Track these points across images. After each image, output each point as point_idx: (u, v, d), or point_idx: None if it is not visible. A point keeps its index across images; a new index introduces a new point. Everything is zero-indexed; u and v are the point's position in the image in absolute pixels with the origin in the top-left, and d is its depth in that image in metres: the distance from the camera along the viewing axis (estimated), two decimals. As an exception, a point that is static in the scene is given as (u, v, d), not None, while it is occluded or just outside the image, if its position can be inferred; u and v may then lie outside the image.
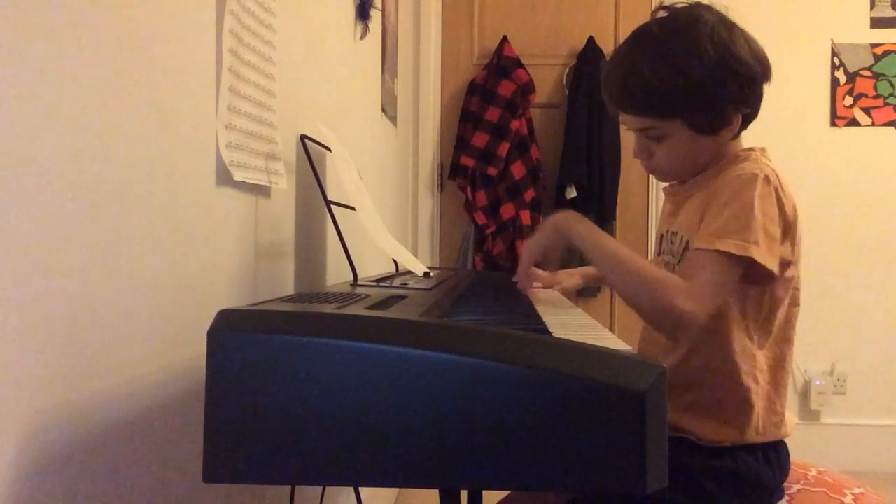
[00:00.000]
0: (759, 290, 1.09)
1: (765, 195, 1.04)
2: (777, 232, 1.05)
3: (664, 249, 1.22)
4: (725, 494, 1.09)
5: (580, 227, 1.13)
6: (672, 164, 1.17)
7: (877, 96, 3.12)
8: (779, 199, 1.06)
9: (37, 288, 0.62)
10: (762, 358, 1.11)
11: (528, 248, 1.21)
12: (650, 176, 3.17)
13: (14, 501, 0.59)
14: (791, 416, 1.16)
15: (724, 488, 1.09)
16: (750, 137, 1.20)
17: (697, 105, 1.10)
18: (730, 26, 1.11)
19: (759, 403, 1.10)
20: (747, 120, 1.15)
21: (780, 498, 1.14)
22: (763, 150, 1.17)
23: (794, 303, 1.14)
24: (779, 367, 1.13)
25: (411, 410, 0.57)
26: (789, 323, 1.14)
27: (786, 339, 1.14)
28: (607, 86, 1.15)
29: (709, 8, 1.14)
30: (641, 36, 1.14)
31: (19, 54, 0.59)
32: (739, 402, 1.10)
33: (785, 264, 1.09)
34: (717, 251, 1.02)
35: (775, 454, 1.12)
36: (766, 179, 1.06)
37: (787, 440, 1.15)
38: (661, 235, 1.25)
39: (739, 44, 1.10)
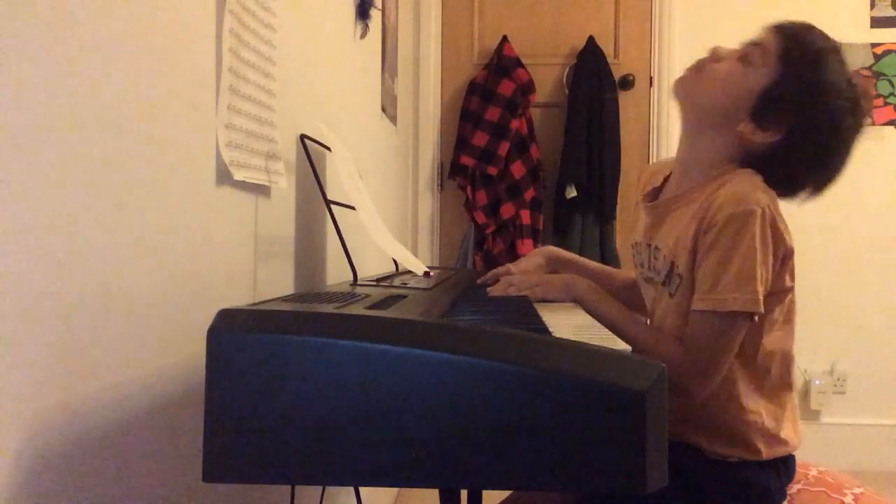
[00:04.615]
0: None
1: (763, 236, 1.02)
2: (768, 274, 1.03)
3: (645, 262, 1.22)
4: (730, 500, 1.10)
5: (590, 296, 1.17)
6: (709, 84, 1.14)
7: (877, 96, 3.11)
8: (775, 232, 1.03)
9: (36, 288, 0.62)
10: (765, 372, 1.11)
11: (538, 292, 1.20)
12: (650, 176, 3.17)
13: (14, 501, 0.59)
14: (801, 426, 1.16)
15: (729, 495, 1.10)
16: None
17: (773, 102, 1.09)
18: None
19: (768, 423, 1.10)
20: (771, 166, 1.10)
21: (783, 499, 1.14)
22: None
23: (789, 319, 1.13)
24: (782, 378, 1.13)
25: (411, 410, 0.57)
26: (790, 332, 1.14)
27: (786, 351, 1.14)
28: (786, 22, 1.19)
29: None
30: (816, 36, 1.21)
31: (19, 53, 0.59)
32: (742, 423, 1.10)
33: (787, 291, 1.09)
34: (729, 312, 1.02)
35: (784, 465, 1.13)
36: (763, 215, 1.01)
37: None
38: (637, 244, 1.24)
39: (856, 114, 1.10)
